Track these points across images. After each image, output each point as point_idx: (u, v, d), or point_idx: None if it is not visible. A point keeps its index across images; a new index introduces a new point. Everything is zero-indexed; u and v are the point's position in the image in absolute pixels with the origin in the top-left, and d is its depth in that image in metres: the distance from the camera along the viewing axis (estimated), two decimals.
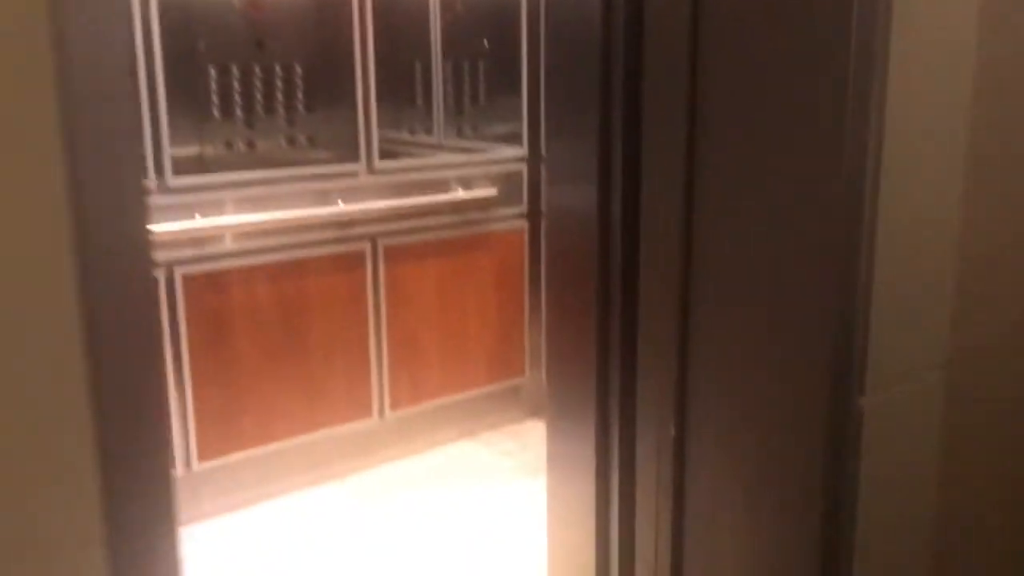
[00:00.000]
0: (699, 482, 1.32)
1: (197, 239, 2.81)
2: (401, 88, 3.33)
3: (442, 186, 3.31)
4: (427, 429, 3.42)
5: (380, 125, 3.13)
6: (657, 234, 1.30)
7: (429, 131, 3.38)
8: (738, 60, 1.20)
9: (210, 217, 2.82)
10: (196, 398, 2.85)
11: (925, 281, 1.24)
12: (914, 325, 1.24)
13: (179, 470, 2.86)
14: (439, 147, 3.39)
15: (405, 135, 3.39)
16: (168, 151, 2.73)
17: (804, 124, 1.13)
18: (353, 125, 3.09)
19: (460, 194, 3.34)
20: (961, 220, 1.26)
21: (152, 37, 2.63)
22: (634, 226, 1.33)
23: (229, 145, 3.02)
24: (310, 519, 2.96)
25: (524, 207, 3.52)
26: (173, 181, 2.75)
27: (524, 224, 3.53)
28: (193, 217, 2.79)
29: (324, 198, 3.05)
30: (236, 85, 2.97)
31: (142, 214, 0.89)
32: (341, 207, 3.06)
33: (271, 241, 2.95)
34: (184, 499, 2.90)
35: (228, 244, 2.87)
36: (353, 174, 3.11)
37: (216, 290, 2.86)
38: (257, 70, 3.01)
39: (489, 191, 3.39)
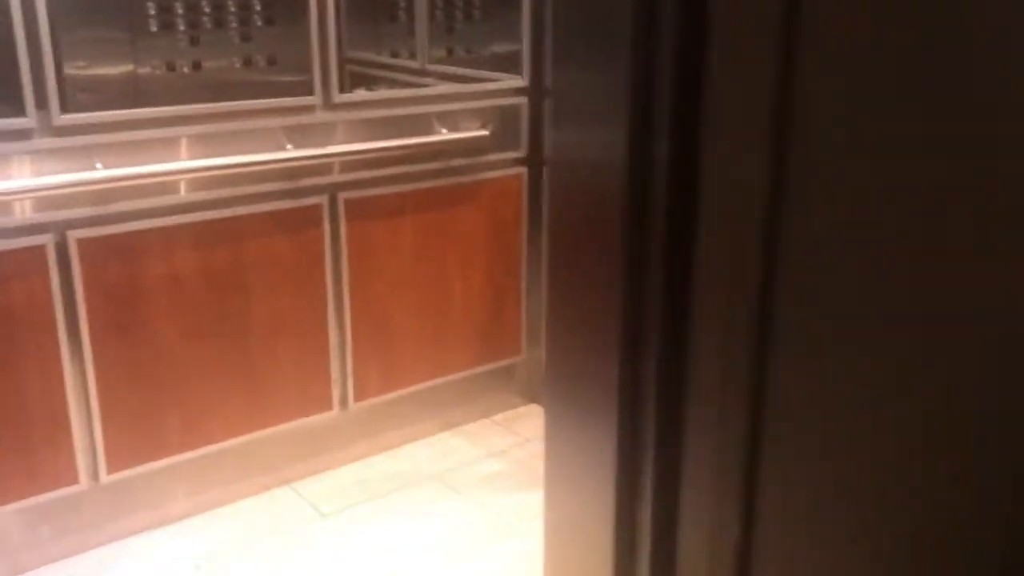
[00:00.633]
0: (776, 499, 0.99)
1: (98, 194, 2.21)
2: None
3: (421, 125, 2.74)
4: (399, 423, 2.94)
5: (353, 46, 2.67)
6: (729, 183, 1.02)
7: (413, 54, 2.90)
8: None
9: (115, 168, 2.21)
10: (102, 395, 2.29)
11: None
12: None
13: (83, 483, 2.31)
14: (422, 72, 2.88)
15: (386, 58, 2.94)
16: (52, 76, 2.09)
17: None
18: (306, 44, 2.48)
19: (444, 135, 2.78)
20: None
21: None
22: (686, 174, 1.05)
23: (171, 67, 2.42)
24: (256, 534, 2.52)
25: (523, 151, 2.97)
26: (60, 119, 2.12)
27: (523, 171, 2.99)
28: (93, 167, 2.19)
29: (269, 139, 2.44)
30: None
31: None
32: (290, 151, 2.46)
33: (198, 196, 2.36)
34: (91, 517, 2.38)
35: (139, 200, 2.26)
36: (307, 109, 2.50)
37: (124, 259, 2.27)
38: None
39: (480, 131, 2.85)
